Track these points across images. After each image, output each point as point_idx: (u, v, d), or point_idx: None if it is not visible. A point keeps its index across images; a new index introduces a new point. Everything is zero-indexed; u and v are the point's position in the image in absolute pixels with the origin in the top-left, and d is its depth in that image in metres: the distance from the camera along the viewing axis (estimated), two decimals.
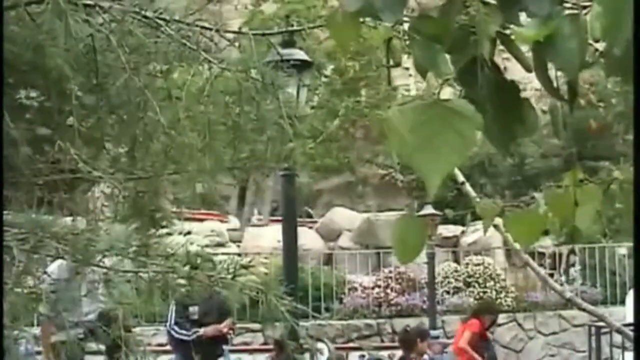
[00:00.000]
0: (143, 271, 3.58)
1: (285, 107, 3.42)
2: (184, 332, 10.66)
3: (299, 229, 16.73)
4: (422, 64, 1.64)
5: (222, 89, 3.50)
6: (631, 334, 4.87)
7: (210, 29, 3.47)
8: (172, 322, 10.70)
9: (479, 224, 16.01)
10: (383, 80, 21.47)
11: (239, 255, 18.49)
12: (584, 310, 4.09)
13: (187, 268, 3.64)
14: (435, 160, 1.55)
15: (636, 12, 1.88)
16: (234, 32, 3.72)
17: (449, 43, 1.68)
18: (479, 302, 13.75)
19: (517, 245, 3.72)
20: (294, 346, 7.96)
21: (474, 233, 19.30)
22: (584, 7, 1.67)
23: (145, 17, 3.23)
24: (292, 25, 12.59)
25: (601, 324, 12.12)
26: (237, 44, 3.51)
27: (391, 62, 1.82)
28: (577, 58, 1.60)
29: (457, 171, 4.46)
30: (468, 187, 4.19)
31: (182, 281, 3.70)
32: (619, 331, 4.37)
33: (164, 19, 3.28)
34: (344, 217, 21.23)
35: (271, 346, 13.58)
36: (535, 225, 2.45)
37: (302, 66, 9.87)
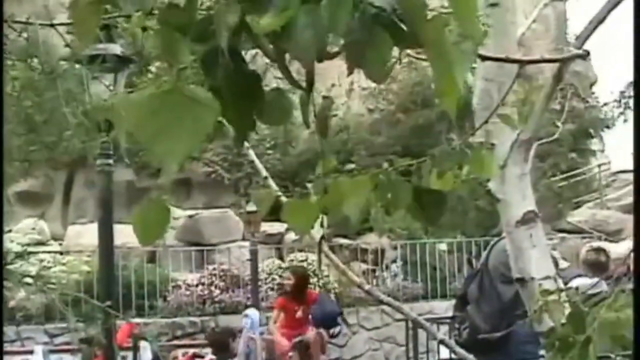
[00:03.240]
0: None
1: (94, 102, 3.37)
2: None
3: (121, 226, 16.54)
4: (163, 52, 1.67)
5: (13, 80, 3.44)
6: (427, 324, 5.02)
7: None
8: None
9: None
10: None
11: (61, 253, 18.19)
12: (382, 302, 4.20)
13: None
14: (173, 147, 1.58)
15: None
16: (22, 22, 3.66)
17: (194, 33, 1.71)
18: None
19: (316, 238, 3.79)
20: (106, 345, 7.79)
21: None
22: None
23: None
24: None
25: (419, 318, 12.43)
26: (25, 34, 3.46)
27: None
28: (313, 48, 1.65)
29: (260, 166, 4.52)
30: (271, 182, 4.24)
31: None
32: (414, 322, 4.49)
33: None
34: None
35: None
36: (309, 214, 2.53)
37: (119, 62, 9.70)
